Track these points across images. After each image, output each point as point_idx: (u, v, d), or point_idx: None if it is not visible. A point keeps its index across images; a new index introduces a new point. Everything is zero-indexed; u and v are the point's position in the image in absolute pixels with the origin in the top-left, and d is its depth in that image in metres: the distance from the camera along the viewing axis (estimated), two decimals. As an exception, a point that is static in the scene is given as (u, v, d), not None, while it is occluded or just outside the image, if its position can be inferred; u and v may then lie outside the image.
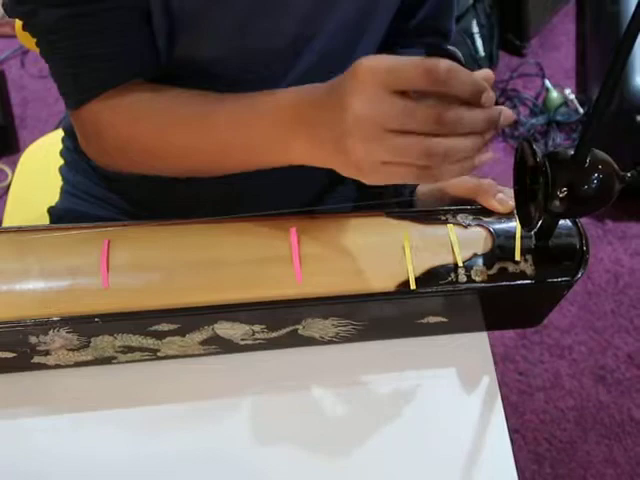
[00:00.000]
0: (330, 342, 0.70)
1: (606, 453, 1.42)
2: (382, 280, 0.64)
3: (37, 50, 0.68)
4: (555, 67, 2.05)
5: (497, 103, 0.54)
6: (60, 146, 0.94)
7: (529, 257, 0.66)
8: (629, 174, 0.59)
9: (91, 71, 0.66)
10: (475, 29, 1.85)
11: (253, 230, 0.66)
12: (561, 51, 2.09)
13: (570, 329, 1.58)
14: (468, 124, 0.51)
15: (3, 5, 0.66)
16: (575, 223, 0.68)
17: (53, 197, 0.92)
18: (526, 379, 1.51)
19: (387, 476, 0.66)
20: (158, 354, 0.68)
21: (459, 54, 0.60)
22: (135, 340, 0.65)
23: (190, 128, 0.65)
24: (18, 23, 0.71)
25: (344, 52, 0.74)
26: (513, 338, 1.55)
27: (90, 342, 0.64)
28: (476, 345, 0.73)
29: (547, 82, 1.99)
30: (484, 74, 0.55)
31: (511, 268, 0.65)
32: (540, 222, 0.60)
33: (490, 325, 0.73)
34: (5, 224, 1.04)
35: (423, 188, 0.79)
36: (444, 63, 0.49)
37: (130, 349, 0.66)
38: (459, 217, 0.68)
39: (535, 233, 0.66)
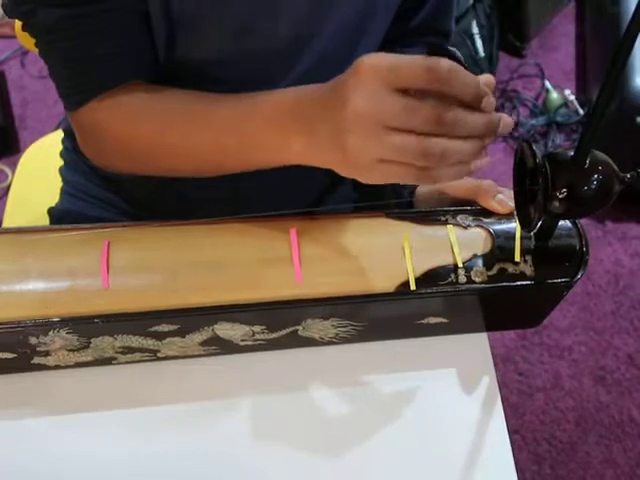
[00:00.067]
0: (330, 343, 0.70)
1: (606, 454, 1.42)
2: (382, 281, 0.64)
3: (37, 50, 0.68)
4: (555, 68, 2.05)
5: (497, 109, 0.54)
6: (60, 147, 0.94)
7: (529, 258, 0.66)
8: (629, 175, 0.59)
9: (90, 72, 0.66)
10: (475, 30, 1.86)
11: (253, 231, 0.66)
12: (561, 52, 2.09)
13: (570, 330, 1.58)
14: (468, 127, 0.51)
15: (2, 5, 0.66)
16: (575, 224, 0.68)
17: (53, 198, 0.92)
18: (526, 380, 1.51)
19: (387, 477, 0.66)
20: (158, 355, 0.68)
21: (459, 54, 0.60)
22: (135, 341, 0.65)
23: (189, 128, 0.65)
24: (18, 23, 0.72)
25: (344, 53, 0.74)
26: (513, 339, 1.55)
27: (90, 343, 0.64)
28: (476, 346, 0.73)
29: (547, 83, 1.99)
30: (485, 79, 0.55)
31: (511, 269, 0.65)
32: (540, 223, 0.60)
33: (490, 326, 0.73)
34: (5, 225, 1.04)
35: (423, 189, 0.79)
36: (446, 63, 0.49)
37: (130, 350, 0.66)
38: (459, 218, 0.68)
39: (535, 234, 0.66)
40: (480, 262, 0.65)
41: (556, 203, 0.57)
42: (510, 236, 0.67)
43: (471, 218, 0.68)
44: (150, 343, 0.65)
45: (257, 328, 0.65)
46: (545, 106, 1.95)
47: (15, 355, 0.64)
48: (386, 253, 0.65)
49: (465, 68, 0.51)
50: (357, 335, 0.69)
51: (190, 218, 0.66)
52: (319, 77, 0.74)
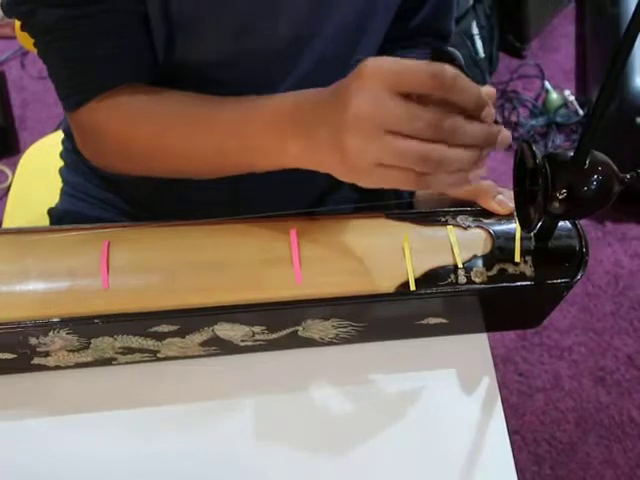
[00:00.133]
0: (330, 343, 0.70)
1: (606, 454, 1.42)
2: (382, 281, 0.64)
3: (36, 50, 0.68)
4: (555, 69, 2.05)
5: (497, 110, 0.54)
6: (60, 147, 0.94)
7: (529, 258, 0.66)
8: (628, 176, 0.59)
9: (89, 72, 0.66)
10: (475, 31, 1.86)
11: (253, 231, 0.66)
12: (561, 53, 2.10)
13: (570, 330, 1.58)
14: (467, 135, 0.51)
15: (2, 5, 0.66)
16: (575, 224, 0.68)
17: (53, 198, 0.92)
18: (526, 380, 1.51)
19: (387, 477, 0.66)
20: (158, 355, 0.68)
21: (458, 54, 0.61)
22: (135, 341, 0.65)
23: (188, 130, 0.65)
24: (18, 23, 0.72)
25: (344, 54, 0.74)
26: (513, 339, 1.55)
27: (90, 343, 0.64)
28: (476, 346, 0.73)
29: (547, 84, 1.99)
30: (486, 90, 0.55)
31: (511, 269, 0.65)
32: (540, 223, 0.60)
33: (490, 326, 0.73)
34: (5, 225, 1.04)
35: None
36: (451, 70, 0.50)
37: (130, 350, 0.66)
38: (459, 218, 0.68)
39: (535, 234, 0.66)
40: (480, 263, 0.65)
41: (556, 204, 0.57)
42: (510, 237, 0.67)
43: (471, 219, 0.68)
44: (150, 343, 0.65)
45: (257, 329, 0.65)
46: (545, 107, 1.95)
47: (15, 355, 0.64)
48: (386, 254, 0.65)
49: (467, 76, 0.51)
50: (357, 336, 0.69)
51: (190, 219, 0.66)
52: (319, 78, 0.74)
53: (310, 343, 0.69)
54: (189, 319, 0.63)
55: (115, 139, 0.68)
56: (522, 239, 0.66)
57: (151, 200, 0.84)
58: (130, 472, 0.65)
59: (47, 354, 0.65)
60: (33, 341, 0.62)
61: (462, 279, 0.65)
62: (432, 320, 0.68)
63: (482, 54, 1.88)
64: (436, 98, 0.50)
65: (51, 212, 0.91)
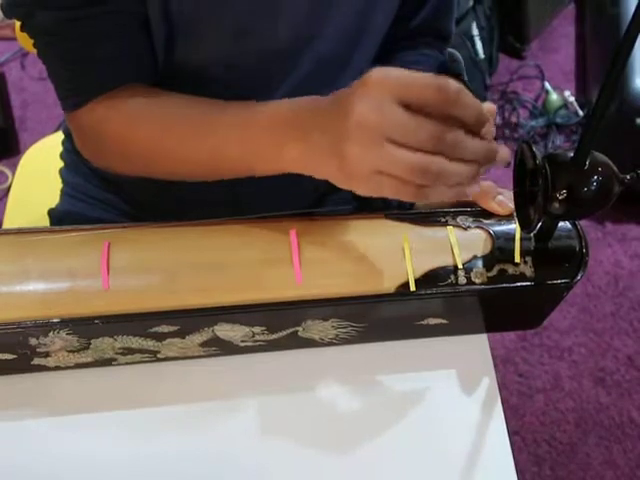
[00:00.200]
0: (330, 344, 0.70)
1: (606, 455, 1.42)
2: (382, 282, 0.64)
3: (36, 51, 0.68)
4: (555, 69, 2.05)
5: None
6: (60, 148, 0.94)
7: (529, 259, 0.66)
8: (628, 176, 0.59)
9: (88, 73, 0.66)
10: (475, 31, 1.86)
11: (253, 232, 0.66)
12: (561, 53, 2.10)
13: (570, 331, 1.58)
14: (467, 150, 0.51)
15: (2, 6, 0.66)
16: (575, 225, 0.68)
17: (53, 199, 0.92)
18: (526, 381, 1.51)
19: (387, 478, 0.66)
20: (158, 356, 0.68)
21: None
22: (135, 342, 0.65)
23: (187, 133, 0.65)
24: (17, 24, 0.72)
25: (344, 54, 0.74)
26: (513, 340, 1.55)
27: (90, 344, 0.64)
28: (476, 347, 0.73)
29: (547, 84, 1.99)
30: (487, 107, 0.55)
31: (511, 270, 0.65)
32: (540, 224, 0.60)
33: (490, 327, 0.73)
34: (5, 226, 1.04)
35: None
36: (455, 84, 0.50)
37: (130, 351, 0.66)
38: (459, 219, 0.68)
39: (535, 235, 0.66)
40: (480, 263, 0.65)
41: (556, 204, 0.57)
42: (510, 237, 0.67)
43: (471, 219, 0.68)
44: (150, 344, 0.65)
45: (257, 329, 0.65)
46: (545, 107, 1.95)
47: (15, 356, 0.64)
48: (386, 254, 0.65)
49: (471, 92, 0.51)
50: (357, 336, 0.69)
51: (190, 219, 0.66)
52: (319, 78, 0.75)
53: (310, 343, 0.69)
54: (189, 320, 0.63)
55: (114, 140, 0.68)
56: (522, 240, 0.66)
57: (151, 201, 0.84)
58: (130, 472, 0.65)
59: (47, 354, 0.65)
60: (33, 341, 0.62)
61: (462, 280, 0.65)
62: (432, 320, 0.69)
63: (482, 55, 1.88)
64: (438, 111, 0.50)
65: (51, 213, 0.91)
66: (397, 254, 0.65)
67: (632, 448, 1.43)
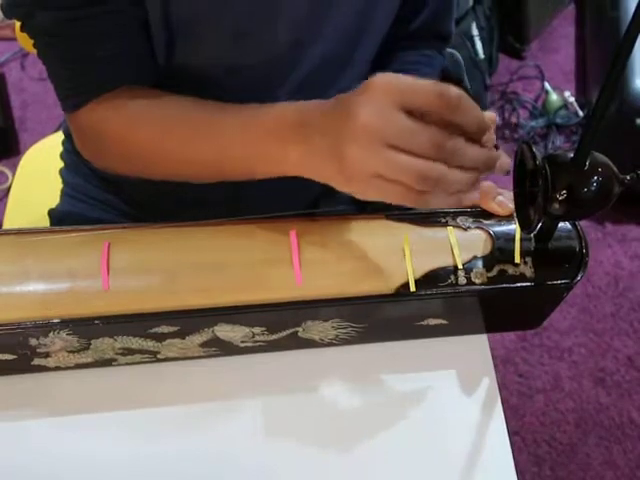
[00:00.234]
0: (330, 344, 0.70)
1: (606, 455, 1.42)
2: (382, 282, 0.64)
3: (36, 51, 0.68)
4: (555, 70, 2.05)
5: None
6: (60, 148, 0.94)
7: (529, 259, 0.66)
8: (628, 177, 0.59)
9: (88, 73, 0.66)
10: (475, 32, 1.86)
11: (253, 232, 0.66)
12: (561, 54, 2.10)
13: (570, 331, 1.58)
14: (467, 157, 0.52)
15: (2, 7, 0.66)
16: (575, 226, 0.68)
17: (53, 199, 0.92)
18: (526, 381, 1.51)
19: (387, 478, 0.66)
20: (158, 356, 0.68)
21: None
22: (135, 342, 0.65)
23: (188, 135, 0.65)
24: (17, 25, 0.72)
25: (344, 55, 0.74)
26: (513, 340, 1.55)
27: (90, 344, 0.64)
28: (476, 347, 0.73)
29: (547, 85, 1.99)
30: (488, 115, 0.55)
31: (511, 270, 0.65)
32: (540, 225, 0.60)
33: (490, 327, 0.73)
34: (5, 226, 1.04)
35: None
36: (456, 91, 0.50)
37: (130, 351, 0.66)
38: (459, 220, 0.68)
39: (535, 236, 0.66)
40: (480, 264, 0.65)
41: (556, 205, 0.57)
42: (510, 238, 0.67)
43: (471, 220, 0.68)
44: (150, 344, 0.65)
45: (257, 330, 0.65)
46: (545, 108, 1.95)
47: (15, 356, 0.64)
48: (386, 255, 0.65)
49: (472, 99, 0.51)
50: (357, 337, 0.69)
51: (190, 219, 0.66)
52: (320, 79, 0.75)
53: (310, 344, 0.69)
54: (189, 320, 0.63)
55: (114, 140, 0.68)
56: (522, 240, 0.66)
57: (151, 201, 0.84)
58: (130, 473, 0.65)
59: (47, 355, 0.65)
60: (33, 342, 0.62)
61: (462, 280, 0.65)
62: (432, 321, 0.69)
63: (482, 55, 1.88)
64: (439, 118, 0.51)
65: (51, 213, 0.91)
66: (397, 254, 0.65)
67: (632, 448, 1.43)
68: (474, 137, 0.52)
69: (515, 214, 0.66)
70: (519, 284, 0.65)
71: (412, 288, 0.64)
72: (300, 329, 0.66)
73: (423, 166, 0.50)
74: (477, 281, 0.65)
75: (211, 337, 0.65)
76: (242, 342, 0.67)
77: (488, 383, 0.71)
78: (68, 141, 0.91)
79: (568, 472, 1.40)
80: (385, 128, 0.50)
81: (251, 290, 0.63)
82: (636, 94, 1.61)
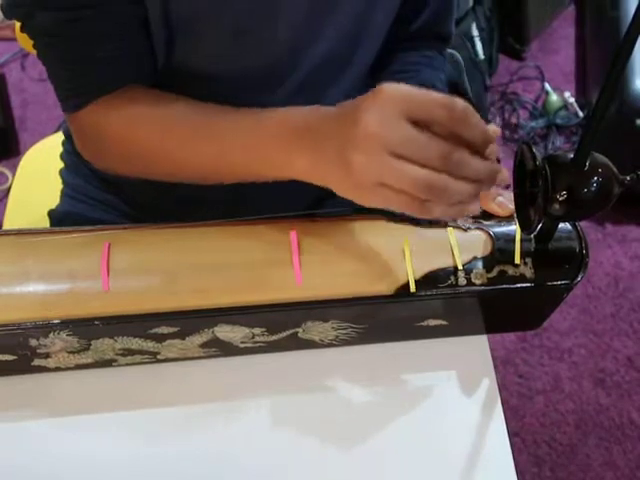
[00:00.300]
0: (330, 345, 0.70)
1: (606, 456, 1.42)
2: (382, 283, 0.64)
3: (36, 52, 0.68)
4: (555, 70, 2.05)
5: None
6: (60, 149, 0.94)
7: (529, 260, 0.66)
8: (628, 177, 0.59)
9: (89, 74, 0.66)
10: (475, 32, 1.86)
11: (253, 233, 0.66)
12: (561, 54, 2.10)
13: (570, 332, 1.58)
14: (471, 169, 0.52)
15: (2, 7, 0.66)
16: (575, 226, 0.68)
17: (53, 200, 0.92)
18: (526, 382, 1.51)
19: (387, 479, 0.66)
20: (158, 357, 0.68)
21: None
22: (135, 343, 0.65)
23: (188, 136, 0.65)
24: (17, 25, 0.72)
25: (344, 55, 0.74)
26: (513, 341, 1.55)
27: (90, 345, 0.64)
28: (476, 348, 0.73)
29: (547, 85, 1.99)
30: (492, 128, 0.56)
31: (511, 271, 0.65)
32: (540, 225, 0.60)
33: (490, 328, 0.73)
34: (5, 227, 1.04)
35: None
36: (462, 103, 0.51)
37: (130, 352, 0.66)
38: (459, 220, 0.68)
39: (535, 236, 0.66)
40: (480, 264, 0.65)
41: (556, 205, 0.57)
42: (510, 238, 0.67)
43: (471, 220, 0.68)
44: (150, 345, 0.65)
45: (257, 330, 0.65)
46: (545, 108, 1.95)
47: (15, 357, 0.64)
48: (386, 255, 0.65)
49: (478, 112, 0.52)
50: (357, 337, 0.69)
51: (190, 220, 0.66)
52: (320, 78, 0.75)
53: (310, 345, 0.69)
54: (189, 321, 0.63)
55: (114, 141, 0.68)
56: (522, 241, 0.66)
57: (151, 202, 0.84)
58: (130, 473, 0.65)
59: (47, 355, 0.65)
60: (33, 342, 0.62)
61: (462, 281, 0.65)
62: (432, 322, 0.69)
63: (482, 56, 1.88)
64: (444, 130, 0.51)
65: (51, 214, 0.91)
66: (397, 255, 0.65)
67: (632, 449, 1.43)
68: (478, 149, 0.53)
69: (515, 215, 0.66)
70: (519, 285, 0.65)
71: (412, 289, 0.64)
72: (300, 330, 0.66)
73: (428, 176, 0.51)
74: (477, 282, 0.65)
75: (211, 338, 0.65)
76: (242, 343, 0.67)
77: (488, 384, 0.71)
78: (68, 142, 0.91)
79: (568, 473, 1.40)
80: (392, 137, 0.51)
81: (251, 291, 0.63)
82: (636, 95, 1.61)
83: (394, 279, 0.64)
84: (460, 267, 0.65)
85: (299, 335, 0.67)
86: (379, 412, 0.69)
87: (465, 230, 0.67)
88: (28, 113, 1.88)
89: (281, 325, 0.66)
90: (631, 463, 1.41)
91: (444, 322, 0.69)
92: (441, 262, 0.65)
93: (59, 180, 0.93)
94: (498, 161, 0.55)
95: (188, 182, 0.69)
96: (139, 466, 0.65)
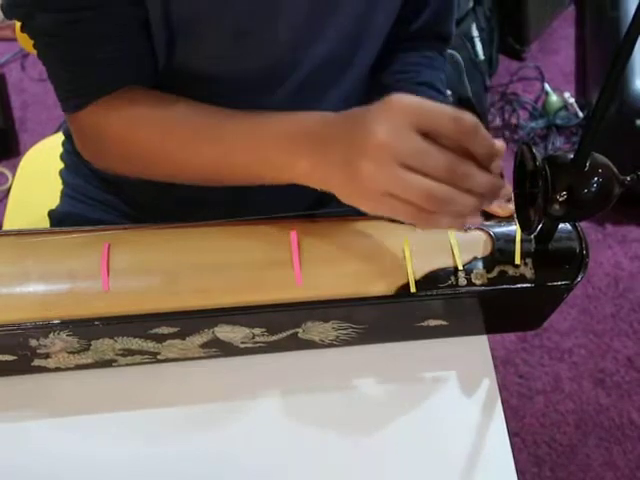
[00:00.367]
0: (330, 345, 0.70)
1: (606, 456, 1.42)
2: (382, 283, 0.64)
3: (36, 52, 0.68)
4: (555, 71, 2.05)
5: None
6: (60, 149, 0.94)
7: (529, 260, 0.66)
8: (629, 178, 0.59)
9: (89, 75, 0.66)
10: (475, 33, 1.86)
11: (253, 233, 0.66)
12: (561, 55, 2.10)
13: (570, 332, 1.58)
14: (475, 183, 0.53)
15: (2, 7, 0.66)
16: (575, 227, 0.68)
17: (53, 200, 0.92)
18: (526, 382, 1.51)
19: (387, 479, 0.66)
20: (158, 357, 0.68)
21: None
22: (135, 343, 0.65)
23: (189, 137, 0.65)
24: (18, 25, 0.72)
25: (345, 56, 0.74)
26: (513, 341, 1.55)
27: (90, 345, 0.64)
28: (476, 348, 0.73)
29: (547, 86, 1.99)
30: (498, 144, 0.57)
31: (511, 271, 0.65)
32: (540, 226, 0.60)
33: (490, 328, 0.73)
34: (5, 227, 1.04)
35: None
36: (472, 117, 0.52)
37: (130, 352, 0.66)
38: (459, 221, 0.68)
39: (535, 237, 0.66)
40: (480, 265, 0.65)
41: (556, 206, 0.57)
42: (510, 239, 0.67)
43: (471, 221, 0.68)
44: (150, 345, 0.65)
45: (257, 330, 0.65)
46: (545, 109, 1.95)
47: (15, 357, 0.64)
48: (386, 256, 0.65)
49: (485, 126, 0.53)
50: (357, 338, 0.69)
51: (191, 220, 0.66)
52: (320, 79, 0.75)
53: (310, 345, 0.69)
54: (189, 321, 0.63)
55: (114, 141, 0.68)
56: (522, 241, 0.66)
57: (151, 202, 0.84)
58: (130, 473, 0.65)
59: (47, 356, 0.65)
60: (33, 343, 0.62)
61: (462, 281, 0.65)
62: (432, 322, 0.69)
63: (482, 56, 1.88)
64: (452, 143, 0.52)
65: (51, 214, 0.91)
66: (397, 256, 0.65)
67: (632, 449, 1.43)
68: (484, 164, 0.54)
69: (515, 215, 0.66)
70: (519, 285, 0.65)
71: (412, 289, 0.64)
72: (300, 330, 0.66)
73: (435, 188, 0.52)
74: (477, 282, 0.65)
75: (211, 338, 0.65)
76: (242, 343, 0.67)
77: (488, 384, 0.71)
78: (68, 142, 0.91)
79: (568, 473, 1.40)
80: (402, 148, 0.51)
81: (251, 291, 0.63)
82: (636, 95, 1.61)
83: (394, 279, 0.64)
84: (460, 267, 0.65)
85: (299, 335, 0.67)
86: (379, 412, 0.69)
87: (465, 230, 0.67)
88: (28, 113, 1.88)
89: (281, 325, 0.66)
90: (631, 463, 1.41)
91: (444, 322, 0.69)
92: (441, 262, 0.65)
93: (59, 180, 0.93)
94: (501, 176, 0.56)
95: (189, 183, 0.69)
96: (139, 466, 0.65)
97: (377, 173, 0.52)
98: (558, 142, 1.90)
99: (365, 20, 0.72)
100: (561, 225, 0.67)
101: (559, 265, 0.66)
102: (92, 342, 0.64)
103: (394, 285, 0.64)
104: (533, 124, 1.92)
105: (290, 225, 0.66)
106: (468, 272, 0.65)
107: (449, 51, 0.87)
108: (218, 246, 0.65)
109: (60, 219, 0.89)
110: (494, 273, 0.65)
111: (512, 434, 1.42)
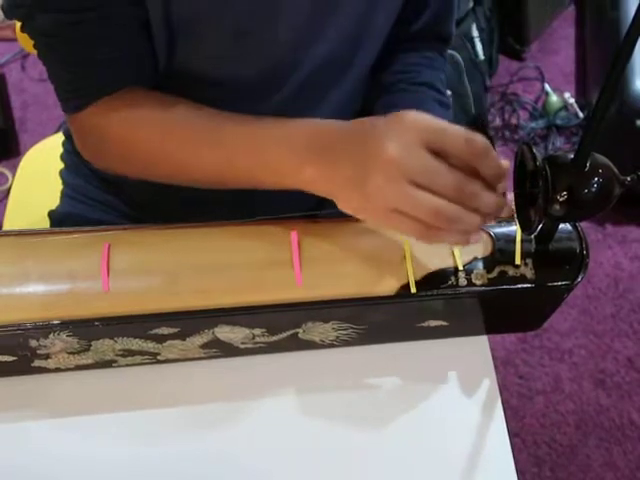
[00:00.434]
0: (330, 346, 0.70)
1: (606, 457, 1.42)
2: (382, 284, 0.64)
3: (36, 52, 0.68)
4: (555, 71, 2.05)
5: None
6: (60, 149, 0.94)
7: (529, 261, 0.66)
8: (629, 178, 0.59)
9: (89, 76, 0.66)
10: (475, 33, 1.86)
11: (254, 233, 0.66)
12: (561, 55, 2.10)
13: (570, 333, 1.58)
14: (482, 202, 0.54)
15: (2, 7, 0.66)
16: (575, 227, 0.68)
17: (53, 201, 0.92)
18: (526, 383, 1.51)
19: (387, 479, 0.67)
20: (158, 358, 0.68)
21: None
22: (135, 344, 0.65)
23: (189, 138, 0.65)
24: (18, 25, 0.72)
25: (345, 57, 0.74)
26: (513, 342, 1.55)
27: (90, 346, 0.64)
28: (476, 349, 0.73)
29: (547, 86, 1.99)
30: (504, 164, 0.57)
31: (511, 272, 0.65)
32: (540, 226, 0.60)
33: (490, 329, 0.73)
34: (5, 227, 1.04)
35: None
36: (483, 139, 0.53)
37: (130, 353, 0.66)
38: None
39: (535, 237, 0.66)
40: (480, 265, 0.65)
41: (556, 206, 0.57)
42: (510, 239, 0.67)
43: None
44: (150, 346, 0.65)
45: (257, 331, 0.65)
46: (545, 109, 1.95)
47: (15, 358, 0.64)
48: (387, 256, 0.65)
49: (494, 147, 0.53)
50: (357, 338, 0.69)
51: (191, 221, 0.66)
52: (321, 80, 0.75)
53: (310, 345, 0.69)
54: (189, 321, 0.63)
55: (115, 142, 0.68)
56: (522, 241, 0.66)
57: (152, 202, 0.84)
58: (130, 474, 0.65)
59: (47, 356, 0.65)
60: (33, 343, 0.62)
61: (463, 281, 0.65)
62: (433, 322, 0.68)
63: (482, 56, 1.88)
64: (461, 162, 0.53)
65: (51, 214, 0.91)
66: (398, 256, 0.65)
67: (632, 450, 1.43)
68: (491, 183, 0.55)
69: (515, 215, 0.66)
70: (519, 285, 0.65)
71: (413, 289, 0.64)
72: (300, 330, 0.66)
73: (444, 206, 0.53)
74: (477, 282, 0.65)
75: (211, 338, 0.65)
76: (242, 343, 0.67)
77: (488, 384, 0.71)
78: (68, 142, 0.91)
79: (568, 473, 1.40)
80: (412, 165, 0.52)
81: (252, 291, 0.63)
82: (636, 95, 1.61)
83: (395, 280, 0.64)
84: (461, 268, 0.65)
85: (299, 336, 0.67)
86: (379, 412, 0.69)
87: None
88: (28, 114, 1.88)
89: (281, 326, 0.66)
90: (631, 464, 1.41)
91: (444, 323, 0.69)
92: (441, 262, 0.65)
93: (59, 181, 0.93)
94: (504, 195, 0.57)
95: (190, 185, 0.69)
96: (139, 466, 0.65)
97: (386, 189, 0.53)
98: (558, 142, 1.90)
99: (365, 20, 0.72)
100: (561, 225, 0.67)
101: (559, 265, 0.66)
102: (92, 342, 0.64)
103: (394, 285, 0.64)
104: (533, 124, 1.92)
105: (290, 225, 0.66)
106: (468, 272, 0.65)
107: (449, 51, 0.87)
108: (218, 246, 0.65)
109: (60, 219, 0.89)
110: (494, 273, 0.65)
111: (512, 434, 1.42)
